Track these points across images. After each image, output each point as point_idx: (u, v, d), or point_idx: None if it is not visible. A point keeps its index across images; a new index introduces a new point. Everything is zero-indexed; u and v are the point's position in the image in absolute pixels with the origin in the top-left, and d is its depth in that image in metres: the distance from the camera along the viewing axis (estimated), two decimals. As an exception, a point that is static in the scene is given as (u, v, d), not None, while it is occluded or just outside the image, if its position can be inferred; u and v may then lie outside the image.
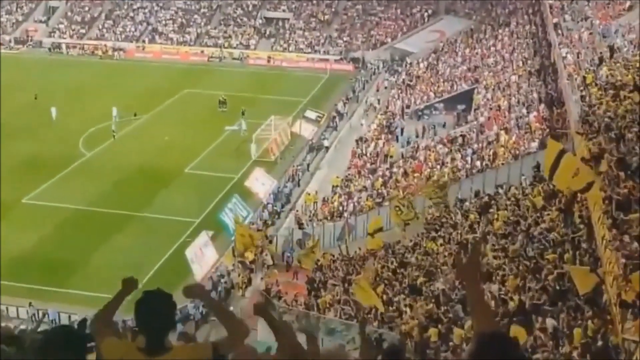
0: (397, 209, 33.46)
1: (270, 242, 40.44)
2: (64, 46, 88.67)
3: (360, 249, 35.89)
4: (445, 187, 35.72)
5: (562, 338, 19.20)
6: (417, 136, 53.37)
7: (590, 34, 49.48)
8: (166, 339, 4.43)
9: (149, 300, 4.44)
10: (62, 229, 42.56)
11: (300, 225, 41.65)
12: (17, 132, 56.37)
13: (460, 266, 4.20)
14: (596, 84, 38.25)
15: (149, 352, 4.33)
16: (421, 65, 71.09)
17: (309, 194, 45.95)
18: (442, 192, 34.39)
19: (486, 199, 36.59)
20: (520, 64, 59.05)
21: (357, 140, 54.91)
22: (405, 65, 74.04)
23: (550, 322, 20.18)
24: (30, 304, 33.88)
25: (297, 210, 44.44)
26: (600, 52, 44.04)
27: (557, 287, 22.20)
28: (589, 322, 18.91)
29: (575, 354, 17.41)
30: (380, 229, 34.18)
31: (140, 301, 4.44)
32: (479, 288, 4.22)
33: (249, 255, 37.77)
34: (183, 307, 34.48)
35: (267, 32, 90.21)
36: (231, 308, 34.24)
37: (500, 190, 36.77)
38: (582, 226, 25.44)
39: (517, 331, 19.46)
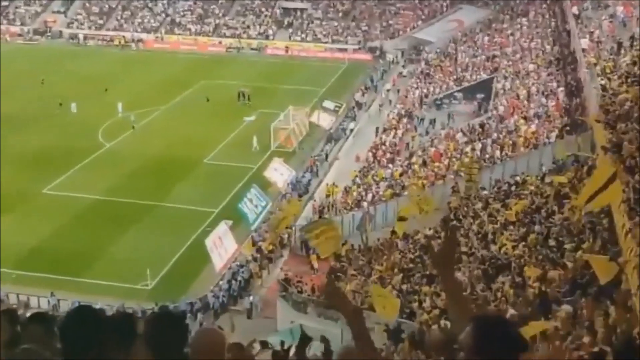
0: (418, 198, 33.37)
1: (290, 228, 40.74)
2: (82, 37, 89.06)
3: (379, 239, 35.90)
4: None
5: (581, 326, 19.15)
6: (442, 128, 53.07)
7: (611, 22, 49.12)
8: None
9: (161, 326, 4.22)
10: (82, 219, 42.85)
11: (320, 215, 41.71)
12: (37, 122, 56.76)
13: (434, 255, 4.18)
14: (616, 73, 38.02)
15: None
16: (440, 54, 70.83)
17: (332, 185, 45.63)
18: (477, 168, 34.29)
19: (505, 187, 36.54)
20: (540, 53, 58.74)
21: (377, 129, 54.90)
22: (424, 55, 73.76)
23: (565, 308, 20.13)
24: (52, 294, 34.19)
25: (315, 200, 44.48)
26: (620, 40, 43.74)
27: (577, 276, 22.16)
28: (610, 310, 18.86)
29: (599, 343, 17.34)
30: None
31: (152, 328, 4.25)
32: (453, 276, 4.21)
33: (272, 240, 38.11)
34: (203, 296, 34.73)
35: (285, 22, 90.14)
36: (251, 297, 34.53)
37: (520, 180, 36.67)
38: (601, 215, 25.35)
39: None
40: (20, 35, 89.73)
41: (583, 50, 46.31)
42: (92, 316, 4.22)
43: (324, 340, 10.59)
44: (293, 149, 53.85)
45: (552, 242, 26.17)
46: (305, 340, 8.93)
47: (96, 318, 4.22)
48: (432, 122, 54.28)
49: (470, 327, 3.20)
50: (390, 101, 63.08)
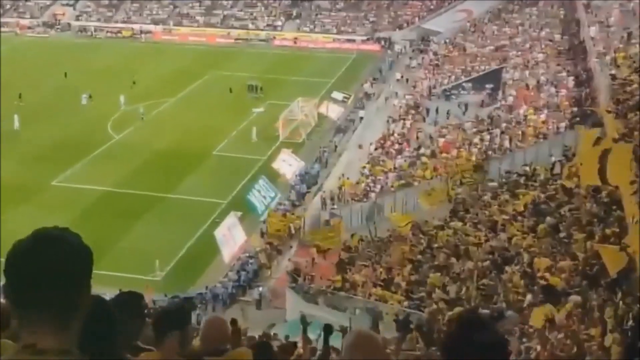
0: (427, 193, 33.43)
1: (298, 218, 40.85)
2: (91, 29, 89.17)
3: (388, 230, 35.82)
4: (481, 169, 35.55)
5: (589, 317, 19.12)
6: (451, 119, 52.88)
7: (621, 11, 48.90)
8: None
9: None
10: (91, 210, 42.90)
11: (327, 206, 41.68)
12: (47, 115, 56.89)
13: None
14: (626, 63, 37.85)
15: None
16: (448, 44, 70.61)
17: (344, 177, 45.31)
18: (476, 174, 34.28)
19: (515, 177, 36.43)
20: (549, 42, 58.52)
21: (388, 119, 54.81)
22: (432, 45, 73.55)
23: (574, 299, 20.09)
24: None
25: (323, 192, 44.42)
26: (629, 30, 43.54)
27: (587, 267, 22.10)
28: (620, 301, 18.81)
29: (609, 333, 17.31)
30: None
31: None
32: None
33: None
34: (212, 287, 34.79)
35: (294, 13, 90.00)
36: (260, 288, 34.57)
37: (529, 170, 36.55)
38: (613, 206, 25.27)
39: (551, 309, 19.42)
40: (30, 28, 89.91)
41: (592, 38, 46.12)
42: (103, 307, 4.19)
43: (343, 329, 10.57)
44: (302, 140, 53.82)
45: (562, 233, 26.13)
46: (328, 331, 8.83)
47: (107, 309, 4.19)
48: (439, 111, 54.00)
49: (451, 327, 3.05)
50: (397, 92, 62.84)
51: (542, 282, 22.87)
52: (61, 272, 2.38)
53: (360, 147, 50.34)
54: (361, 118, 57.25)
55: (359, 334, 4.13)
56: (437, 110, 54.21)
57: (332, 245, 34.85)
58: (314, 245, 35.72)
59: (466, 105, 53.94)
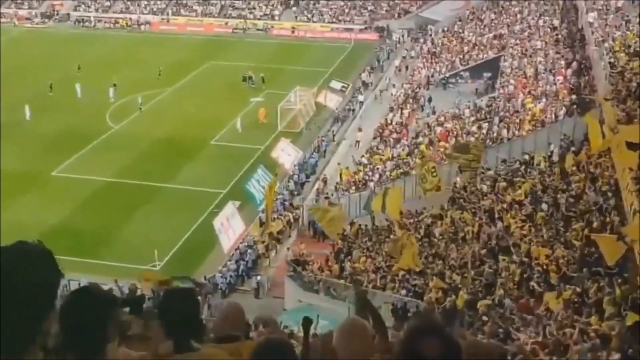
0: (422, 177, 33.30)
1: (297, 208, 40.78)
2: (89, 20, 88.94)
3: (387, 220, 35.82)
4: (470, 150, 35.14)
5: (588, 305, 19.17)
6: (449, 108, 52.79)
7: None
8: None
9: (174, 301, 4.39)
10: (91, 200, 42.97)
11: (325, 196, 41.67)
12: (46, 106, 56.82)
13: None
14: (624, 50, 37.80)
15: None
16: (446, 33, 70.46)
17: (345, 168, 45.19)
18: (468, 155, 33.95)
19: (517, 165, 36.43)
20: (548, 30, 58.38)
21: (390, 108, 54.75)
22: (431, 34, 73.42)
23: (572, 287, 20.15)
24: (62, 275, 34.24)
25: (321, 181, 44.46)
26: (628, 17, 43.45)
27: (584, 255, 22.15)
28: (617, 290, 18.86)
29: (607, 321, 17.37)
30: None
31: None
32: None
33: (276, 225, 38.08)
34: (211, 276, 34.85)
35: (291, 2, 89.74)
36: (258, 277, 34.62)
37: (527, 158, 36.54)
38: (609, 194, 25.29)
39: (549, 298, 19.48)
40: (28, 19, 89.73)
41: (591, 26, 46.01)
42: (94, 296, 4.18)
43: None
44: (300, 130, 53.80)
45: (559, 222, 26.16)
46: (307, 323, 8.85)
47: (99, 298, 4.18)
48: (434, 100, 53.93)
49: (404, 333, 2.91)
50: (394, 84, 62.68)
51: (540, 269, 22.93)
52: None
53: (359, 129, 50.48)
54: (361, 103, 57.30)
55: (353, 322, 4.15)
56: (435, 99, 54.13)
57: (331, 228, 34.23)
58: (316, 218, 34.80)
59: (464, 94, 53.78)
